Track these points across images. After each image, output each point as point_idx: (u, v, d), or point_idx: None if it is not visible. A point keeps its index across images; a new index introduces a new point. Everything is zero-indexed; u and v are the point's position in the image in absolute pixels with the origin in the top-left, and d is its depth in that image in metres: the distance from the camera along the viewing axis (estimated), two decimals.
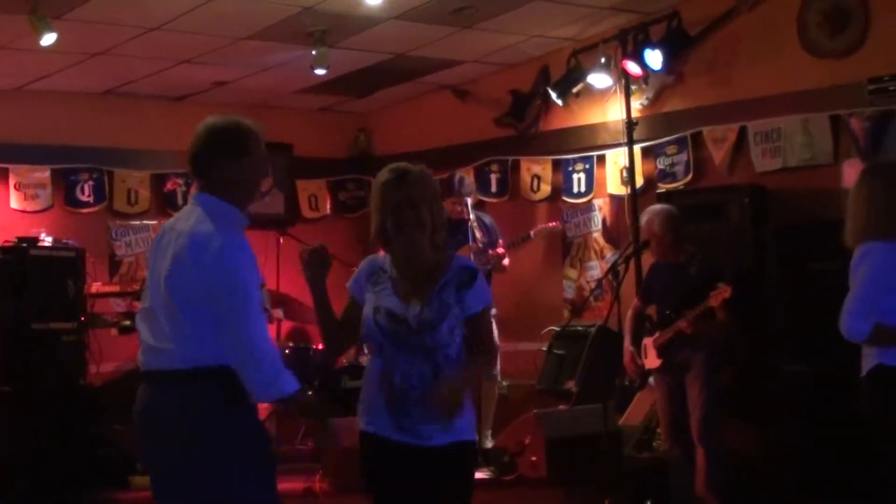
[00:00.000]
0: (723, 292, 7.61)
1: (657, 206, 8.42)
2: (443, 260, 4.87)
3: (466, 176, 10.32)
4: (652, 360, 8.10)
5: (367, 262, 5.01)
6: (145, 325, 4.59)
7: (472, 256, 9.43)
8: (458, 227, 9.61)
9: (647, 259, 8.88)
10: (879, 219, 5.74)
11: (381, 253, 5.01)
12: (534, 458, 8.18)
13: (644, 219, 8.29)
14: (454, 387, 4.66)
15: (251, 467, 4.54)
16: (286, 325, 11.62)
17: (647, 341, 8.13)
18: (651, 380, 8.35)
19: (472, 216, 9.76)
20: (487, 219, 9.99)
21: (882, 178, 5.85)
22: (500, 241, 9.81)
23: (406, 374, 4.72)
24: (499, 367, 9.65)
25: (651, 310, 8.37)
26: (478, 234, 9.71)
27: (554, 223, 10.64)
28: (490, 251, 9.63)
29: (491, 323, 5.13)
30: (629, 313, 8.42)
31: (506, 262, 9.78)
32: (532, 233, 10.13)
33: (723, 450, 7.97)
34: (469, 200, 9.80)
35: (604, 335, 9.03)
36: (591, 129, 10.73)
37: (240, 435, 4.47)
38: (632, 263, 8.93)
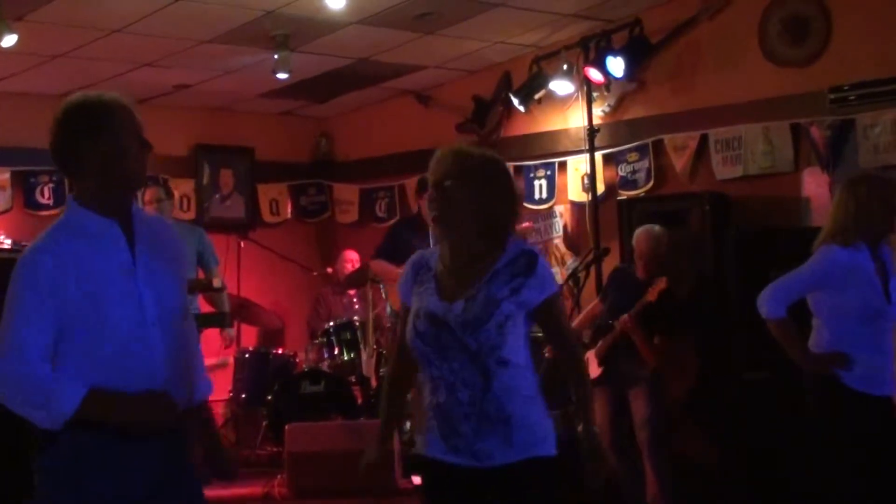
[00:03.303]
0: (659, 284, 7.62)
1: (660, 228, 8.38)
2: (494, 250, 4.21)
3: None
4: (593, 370, 8.10)
5: (415, 258, 4.44)
6: None
7: None
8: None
9: (608, 266, 8.92)
10: (844, 225, 5.87)
11: (432, 248, 4.48)
12: None
13: (648, 236, 8.25)
14: (595, 446, 4.26)
15: None
16: (247, 330, 11.60)
17: (590, 354, 8.13)
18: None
19: None
20: None
21: (856, 188, 5.94)
22: None
23: (451, 386, 4.13)
24: None
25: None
26: None
27: (527, 223, 10.58)
28: None
29: (564, 313, 4.50)
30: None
31: None
32: None
33: (678, 458, 8.00)
34: None
35: None
36: (553, 135, 10.74)
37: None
38: (592, 270, 8.95)
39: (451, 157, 4.24)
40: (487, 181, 4.20)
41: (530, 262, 4.17)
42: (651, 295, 7.67)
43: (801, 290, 5.96)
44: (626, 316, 7.83)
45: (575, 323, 8.38)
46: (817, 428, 5.95)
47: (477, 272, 4.18)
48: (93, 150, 3.83)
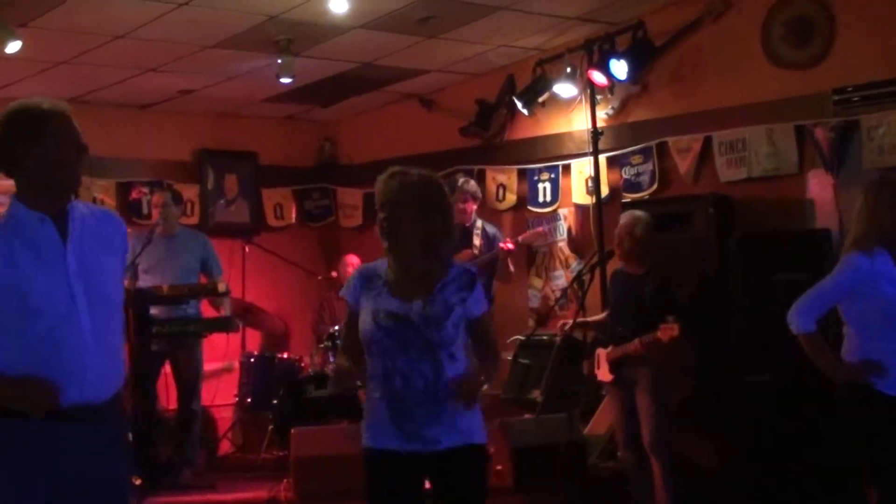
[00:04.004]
0: (671, 330, 7.60)
1: (639, 213, 8.34)
2: (440, 264, 4.81)
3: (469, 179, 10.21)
4: (604, 374, 8.12)
5: (361, 268, 4.98)
6: None
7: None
8: (461, 232, 9.63)
9: (613, 269, 8.91)
10: (863, 231, 5.86)
11: (376, 261, 4.94)
12: (499, 467, 8.18)
13: (625, 221, 8.27)
14: (474, 378, 4.68)
15: None
16: (251, 334, 11.61)
17: (601, 353, 8.14)
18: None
19: (477, 222, 9.75)
20: (491, 229, 9.86)
21: (875, 193, 5.93)
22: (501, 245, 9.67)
23: (407, 375, 4.63)
24: None
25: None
26: (476, 242, 9.69)
27: (541, 228, 10.57)
28: (501, 245, 9.52)
29: (493, 327, 5.05)
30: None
31: (512, 268, 9.71)
32: (520, 238, 9.98)
33: (681, 460, 8.00)
34: (474, 205, 9.76)
35: (569, 344, 9.04)
36: (557, 138, 10.75)
37: None
38: (597, 273, 8.95)
39: (396, 182, 4.78)
40: (427, 202, 4.79)
41: (472, 280, 4.83)
42: (663, 335, 7.63)
43: (828, 301, 5.92)
44: (637, 342, 7.82)
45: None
46: (848, 433, 5.91)
47: (428, 280, 4.76)
48: (29, 154, 4.12)
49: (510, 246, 9.49)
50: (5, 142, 4.14)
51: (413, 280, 4.74)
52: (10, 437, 4.03)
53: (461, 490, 4.76)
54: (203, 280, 9.68)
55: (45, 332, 4.03)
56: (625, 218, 8.30)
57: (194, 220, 11.72)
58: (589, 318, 8.67)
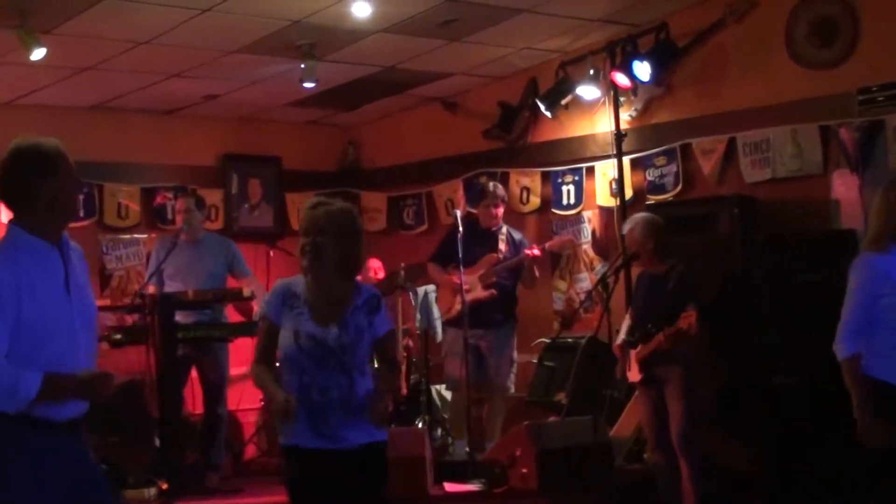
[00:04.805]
0: (689, 317, 7.60)
1: (639, 214, 8.41)
2: (351, 288, 5.44)
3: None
4: (635, 374, 8.11)
5: (281, 285, 5.54)
6: None
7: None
8: (487, 236, 9.69)
9: (637, 271, 8.89)
10: (878, 230, 5.82)
11: (293, 278, 5.53)
12: (525, 470, 8.17)
13: (626, 227, 8.31)
14: (383, 400, 5.28)
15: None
16: None
17: (631, 354, 8.14)
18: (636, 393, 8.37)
19: (503, 227, 9.78)
20: (518, 235, 9.92)
21: (887, 192, 5.89)
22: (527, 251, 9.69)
23: (325, 388, 5.26)
24: (513, 378, 9.68)
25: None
26: (502, 247, 9.70)
27: (568, 236, 10.56)
28: (526, 251, 9.57)
29: (396, 343, 5.81)
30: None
31: (538, 273, 9.72)
32: (546, 246, 9.97)
33: (708, 461, 7.98)
34: (502, 209, 9.82)
35: (594, 347, 9.03)
36: (580, 140, 10.74)
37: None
38: (621, 275, 8.94)
39: (321, 211, 5.36)
40: (346, 232, 5.38)
41: (378, 302, 5.47)
42: (683, 323, 7.63)
43: (861, 311, 5.78)
44: (661, 337, 7.80)
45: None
46: (877, 435, 5.84)
47: (341, 304, 5.37)
48: (41, 189, 4.54)
49: (536, 252, 9.51)
50: (19, 175, 4.53)
51: (328, 303, 5.35)
52: (33, 446, 4.45)
53: (364, 484, 5.35)
54: (230, 284, 9.70)
55: (55, 353, 4.46)
56: (625, 227, 8.33)
57: (218, 224, 11.75)
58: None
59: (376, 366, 5.73)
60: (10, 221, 4.60)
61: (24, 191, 4.54)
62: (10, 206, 4.61)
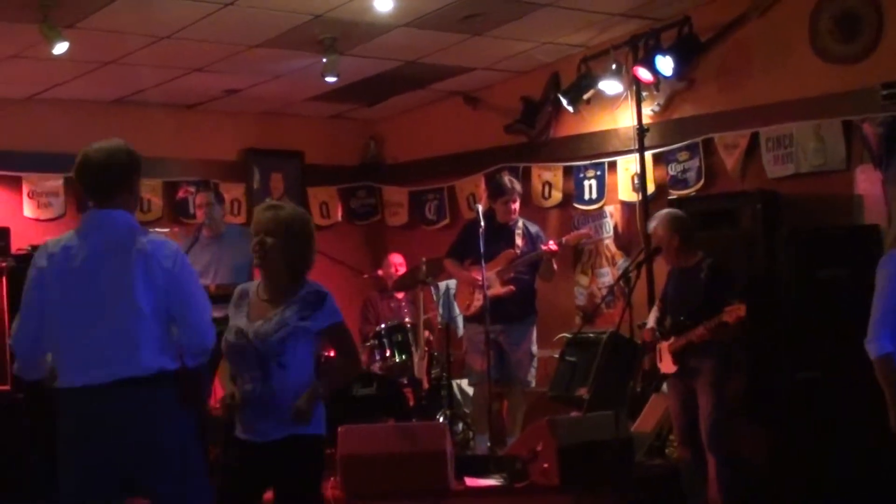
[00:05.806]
0: (738, 311, 7.55)
1: (663, 211, 8.38)
2: (296, 287, 5.60)
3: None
4: (668, 366, 8.05)
5: (240, 286, 5.88)
6: (86, 339, 5.03)
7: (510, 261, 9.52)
8: (504, 231, 9.67)
9: (659, 266, 8.87)
10: None
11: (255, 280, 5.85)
12: (546, 465, 8.16)
13: (651, 225, 8.28)
14: (308, 401, 5.43)
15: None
16: None
17: (663, 346, 8.10)
18: (665, 385, 8.32)
19: (518, 221, 9.76)
20: (533, 227, 9.90)
21: None
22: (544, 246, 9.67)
23: (245, 382, 5.51)
24: (533, 372, 9.66)
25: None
26: (519, 241, 9.68)
27: (585, 229, 10.54)
28: (543, 246, 9.55)
29: (349, 334, 5.84)
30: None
31: (556, 266, 9.68)
32: (564, 240, 9.94)
33: (734, 456, 7.96)
34: (517, 205, 9.79)
35: (615, 342, 9.02)
36: (603, 135, 10.72)
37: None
38: (643, 270, 8.92)
39: (270, 216, 5.61)
40: (296, 236, 5.60)
41: (320, 298, 5.58)
42: (728, 317, 7.59)
43: (891, 309, 5.73)
44: (702, 329, 7.76)
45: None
46: None
47: (279, 303, 5.57)
48: (136, 184, 5.32)
49: (553, 247, 9.47)
50: (125, 173, 5.32)
51: (269, 301, 5.61)
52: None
53: (287, 478, 5.50)
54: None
55: None
56: (650, 224, 8.30)
57: (241, 219, 11.76)
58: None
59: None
60: (110, 209, 5.19)
61: (129, 187, 5.28)
62: (109, 195, 5.21)
